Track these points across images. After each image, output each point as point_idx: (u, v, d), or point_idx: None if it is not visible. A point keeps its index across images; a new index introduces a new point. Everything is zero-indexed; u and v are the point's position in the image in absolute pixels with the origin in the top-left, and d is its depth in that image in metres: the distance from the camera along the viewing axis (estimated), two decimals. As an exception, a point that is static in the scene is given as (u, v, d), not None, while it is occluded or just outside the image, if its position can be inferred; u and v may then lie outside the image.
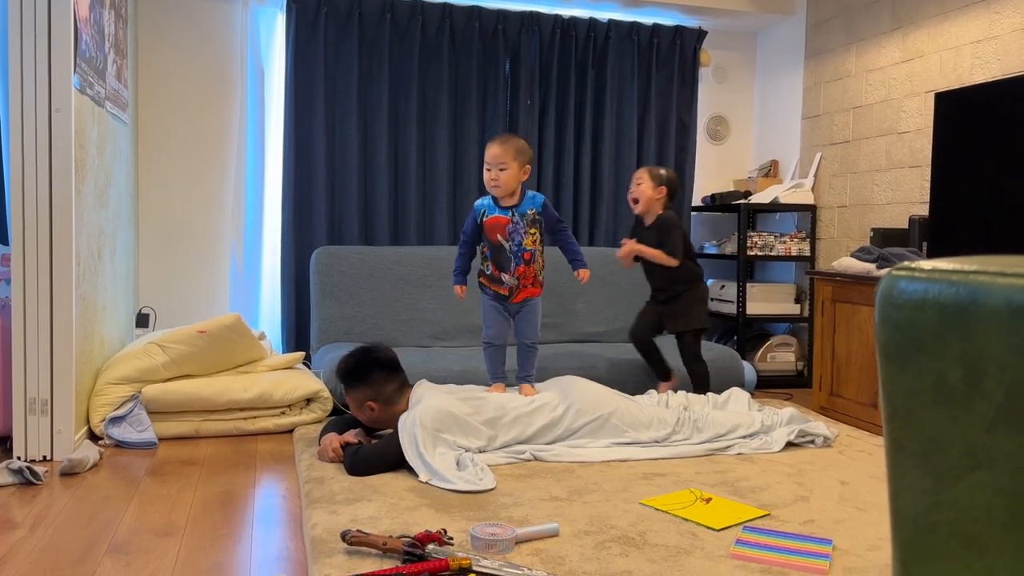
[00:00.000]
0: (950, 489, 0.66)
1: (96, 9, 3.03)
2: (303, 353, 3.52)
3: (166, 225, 4.10)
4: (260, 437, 3.14)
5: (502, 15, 4.37)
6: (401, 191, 4.30)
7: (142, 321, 3.95)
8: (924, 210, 3.68)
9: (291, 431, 3.20)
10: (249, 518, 2.24)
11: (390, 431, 2.72)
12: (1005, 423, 0.60)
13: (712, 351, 3.78)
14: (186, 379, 3.14)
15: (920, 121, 3.76)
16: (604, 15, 4.54)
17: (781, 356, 4.45)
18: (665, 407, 3.22)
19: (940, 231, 3.35)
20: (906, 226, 3.70)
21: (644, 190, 3.39)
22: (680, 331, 3.44)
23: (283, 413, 3.20)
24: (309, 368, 3.65)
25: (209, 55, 4.13)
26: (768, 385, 4.36)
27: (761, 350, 4.42)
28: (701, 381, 3.42)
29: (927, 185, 3.69)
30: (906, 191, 3.85)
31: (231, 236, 4.15)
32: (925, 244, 3.48)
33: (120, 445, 2.95)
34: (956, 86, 3.53)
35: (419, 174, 4.29)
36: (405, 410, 2.71)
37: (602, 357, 3.67)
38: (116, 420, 2.98)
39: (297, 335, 4.13)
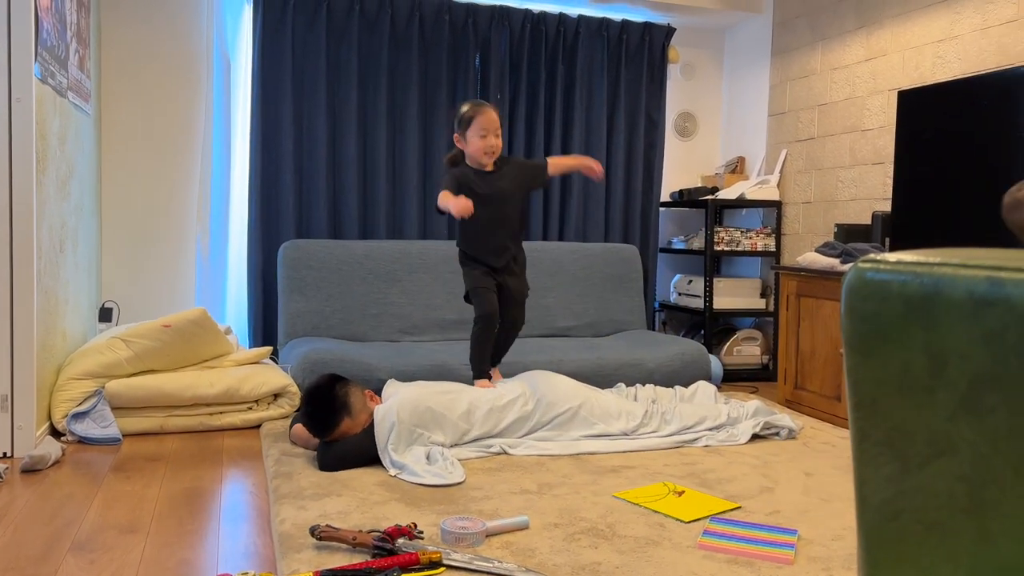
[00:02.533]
0: (914, 476, 0.68)
1: (57, -4, 2.96)
2: (270, 348, 3.49)
3: (130, 218, 4.02)
4: (226, 433, 3.11)
5: (472, 8, 4.36)
6: (370, 184, 4.27)
7: (105, 315, 3.88)
8: (887, 206, 3.75)
9: (258, 427, 3.17)
10: (216, 514, 2.22)
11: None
12: (967, 412, 0.62)
13: (679, 344, 3.82)
14: (150, 374, 3.09)
15: (883, 119, 3.83)
16: (574, 10, 4.55)
17: (747, 350, 4.51)
18: (633, 400, 3.25)
19: (902, 227, 3.42)
20: (869, 222, 3.77)
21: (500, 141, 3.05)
22: (526, 294, 3.21)
23: (250, 408, 3.17)
24: (276, 363, 3.62)
25: (174, 46, 4.06)
26: (734, 378, 4.42)
27: (727, 344, 4.48)
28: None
29: (890, 182, 3.76)
30: (869, 187, 3.92)
31: (196, 229, 4.09)
32: (887, 239, 3.54)
33: (83, 441, 2.90)
34: (918, 84, 3.59)
35: (388, 167, 4.27)
36: (370, 411, 2.69)
37: (572, 351, 3.69)
38: (79, 416, 2.93)
39: (264, 330, 4.09)
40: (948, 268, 0.63)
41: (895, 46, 3.76)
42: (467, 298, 3.16)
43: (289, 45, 4.06)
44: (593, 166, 3.18)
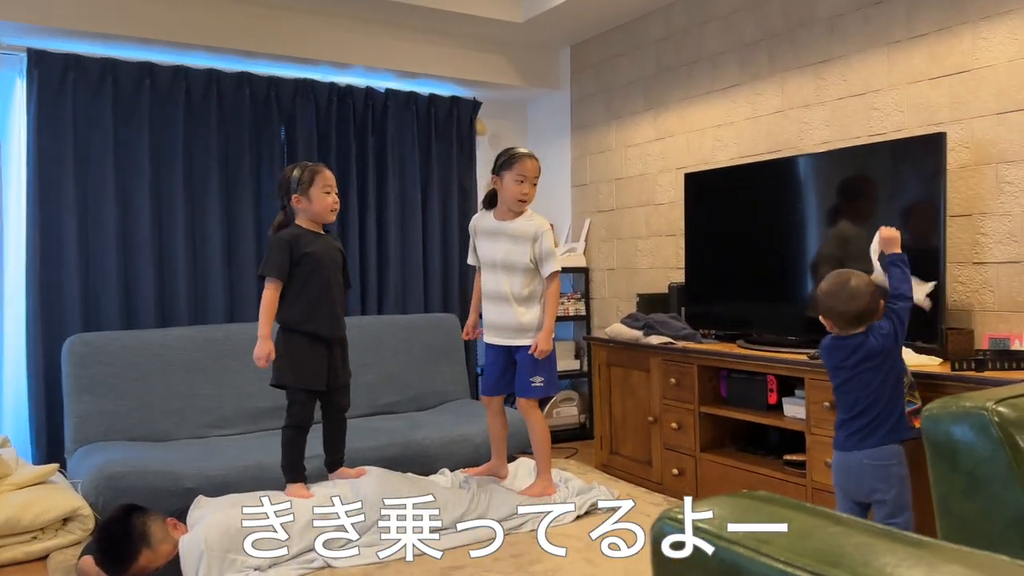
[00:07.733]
0: None
1: None
2: (56, 466, 3.13)
3: None
4: (6, 570, 2.74)
5: (274, 81, 4.24)
6: (167, 267, 3.99)
7: None
8: (681, 274, 4.04)
9: (44, 558, 2.83)
10: None
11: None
12: None
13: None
14: (-95, 513, 2.68)
15: (673, 194, 4.13)
16: (381, 84, 4.55)
17: (565, 411, 4.66)
18: (459, 487, 3.24)
19: (694, 295, 3.70)
20: (667, 290, 4.03)
21: None
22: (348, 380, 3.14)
23: (35, 538, 2.83)
24: (65, 475, 3.25)
25: (-74, 120, 3.60)
26: (556, 439, 4.52)
27: (547, 407, 4.60)
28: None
29: (682, 252, 4.06)
30: (664, 257, 4.21)
31: (-39, 326, 3.62)
32: (683, 308, 3.81)
33: None
34: (702, 164, 3.92)
35: (188, 248, 4.02)
36: (173, 541, 2.49)
37: (395, 434, 3.62)
38: None
39: (48, 436, 3.67)
40: (744, 549, 0.68)
41: (680, 128, 4.08)
42: (276, 384, 3.00)
43: (70, 120, 3.73)
44: None
